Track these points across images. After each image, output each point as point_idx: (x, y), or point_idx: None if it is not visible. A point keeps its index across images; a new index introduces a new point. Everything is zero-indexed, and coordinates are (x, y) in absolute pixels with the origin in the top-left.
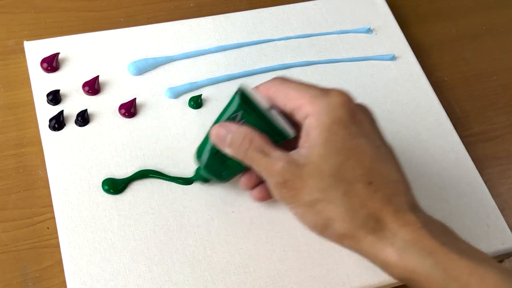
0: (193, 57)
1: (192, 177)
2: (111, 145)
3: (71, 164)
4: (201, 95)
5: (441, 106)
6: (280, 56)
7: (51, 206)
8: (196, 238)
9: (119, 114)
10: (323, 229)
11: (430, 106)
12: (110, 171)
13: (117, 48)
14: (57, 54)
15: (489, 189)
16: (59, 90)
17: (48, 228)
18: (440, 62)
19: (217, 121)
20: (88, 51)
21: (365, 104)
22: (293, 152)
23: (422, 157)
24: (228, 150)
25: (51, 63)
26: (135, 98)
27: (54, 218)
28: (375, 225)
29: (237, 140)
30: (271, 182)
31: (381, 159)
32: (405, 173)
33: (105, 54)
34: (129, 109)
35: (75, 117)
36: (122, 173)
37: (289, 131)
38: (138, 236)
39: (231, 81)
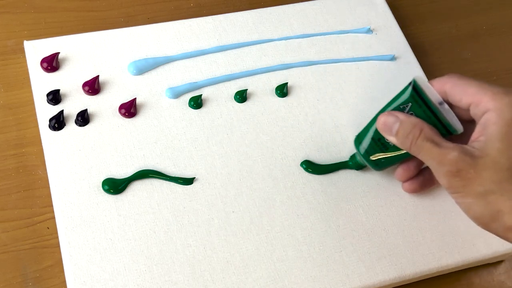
0: (193, 57)
1: (347, 161)
2: (111, 145)
3: (71, 164)
4: (201, 95)
5: None
6: (280, 56)
7: (51, 206)
8: (196, 238)
9: (119, 114)
10: (490, 221)
11: None
12: (110, 171)
13: (117, 48)
14: (57, 54)
15: None
16: (59, 90)
17: (48, 228)
18: (440, 62)
19: (383, 109)
20: (88, 51)
21: None
22: (466, 145)
23: None
24: (393, 139)
25: (51, 63)
26: (135, 98)
27: (54, 218)
28: None
29: (406, 129)
30: (441, 170)
31: None
32: None
33: (105, 54)
34: (129, 109)
35: (75, 117)
36: (122, 173)
37: (458, 126)
38: (138, 236)
39: (231, 81)
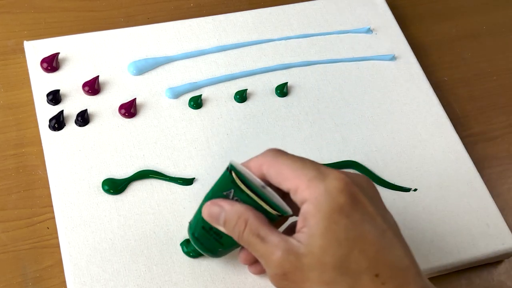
0: (193, 57)
1: (184, 250)
2: (111, 145)
3: (71, 164)
4: (201, 95)
5: (441, 106)
6: (280, 56)
7: (51, 206)
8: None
9: (119, 114)
10: None
11: (430, 106)
12: (110, 171)
13: (117, 48)
14: (57, 54)
15: (489, 189)
16: (59, 90)
17: (48, 228)
18: (440, 62)
19: (208, 196)
20: (88, 51)
21: (364, 176)
22: (292, 238)
23: (422, 157)
24: (222, 229)
25: (51, 63)
26: (135, 98)
27: (54, 218)
28: None
29: (231, 220)
30: (269, 272)
31: (387, 246)
32: (412, 254)
33: (105, 54)
34: (129, 109)
35: (75, 117)
36: (122, 173)
37: (287, 209)
38: (138, 236)
39: (231, 81)
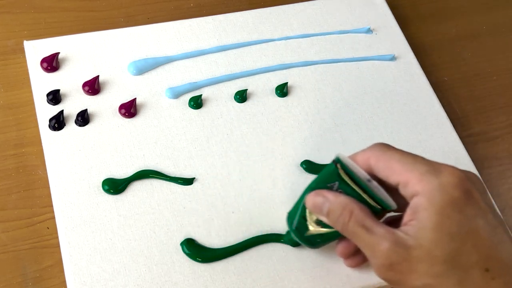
0: (193, 57)
1: (282, 237)
2: (111, 145)
3: (71, 164)
4: (201, 95)
5: (441, 106)
6: (280, 56)
7: (51, 206)
8: (196, 238)
9: (119, 114)
10: None
11: (430, 106)
12: (110, 171)
13: (117, 48)
14: (57, 54)
15: (489, 189)
16: (59, 90)
17: (48, 228)
18: (440, 62)
19: (310, 186)
20: (88, 51)
21: (473, 173)
22: (398, 230)
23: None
24: (325, 219)
25: (51, 63)
26: (135, 98)
27: (54, 218)
28: None
29: (335, 211)
30: (375, 262)
31: (499, 242)
32: None
33: (105, 54)
34: (129, 109)
35: (75, 117)
36: (122, 173)
37: (391, 203)
38: (138, 236)
39: (231, 81)
